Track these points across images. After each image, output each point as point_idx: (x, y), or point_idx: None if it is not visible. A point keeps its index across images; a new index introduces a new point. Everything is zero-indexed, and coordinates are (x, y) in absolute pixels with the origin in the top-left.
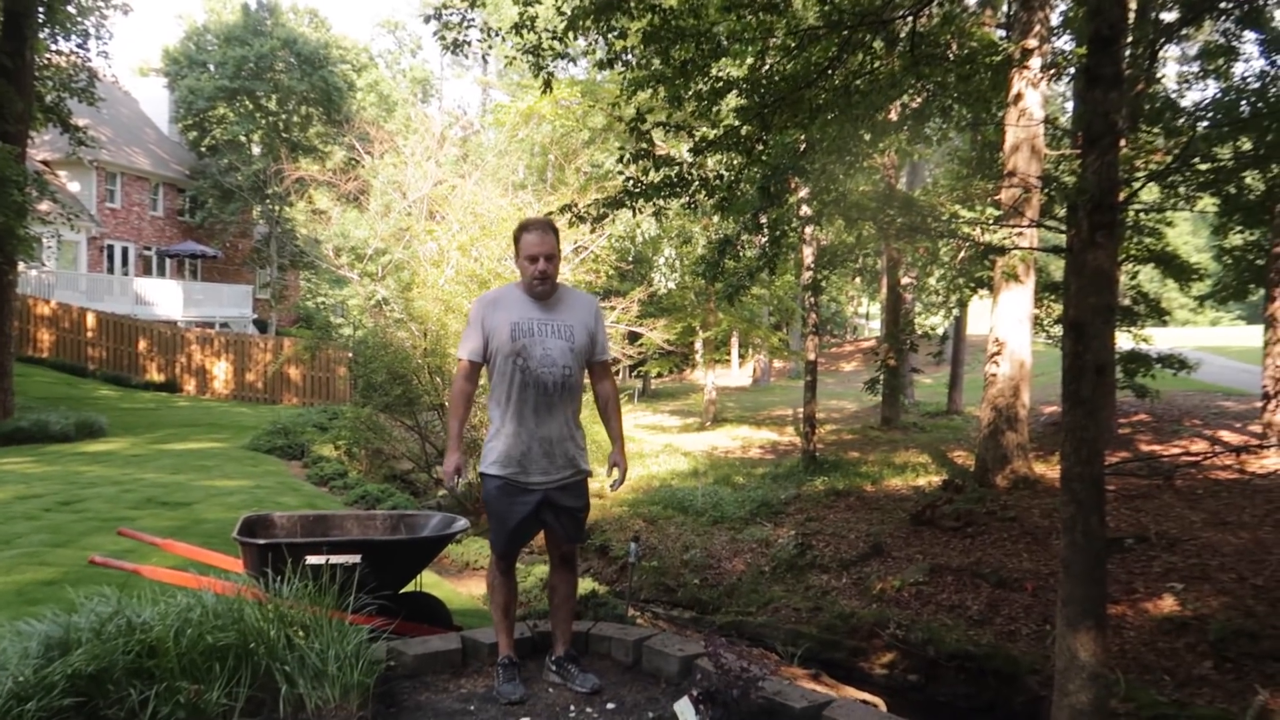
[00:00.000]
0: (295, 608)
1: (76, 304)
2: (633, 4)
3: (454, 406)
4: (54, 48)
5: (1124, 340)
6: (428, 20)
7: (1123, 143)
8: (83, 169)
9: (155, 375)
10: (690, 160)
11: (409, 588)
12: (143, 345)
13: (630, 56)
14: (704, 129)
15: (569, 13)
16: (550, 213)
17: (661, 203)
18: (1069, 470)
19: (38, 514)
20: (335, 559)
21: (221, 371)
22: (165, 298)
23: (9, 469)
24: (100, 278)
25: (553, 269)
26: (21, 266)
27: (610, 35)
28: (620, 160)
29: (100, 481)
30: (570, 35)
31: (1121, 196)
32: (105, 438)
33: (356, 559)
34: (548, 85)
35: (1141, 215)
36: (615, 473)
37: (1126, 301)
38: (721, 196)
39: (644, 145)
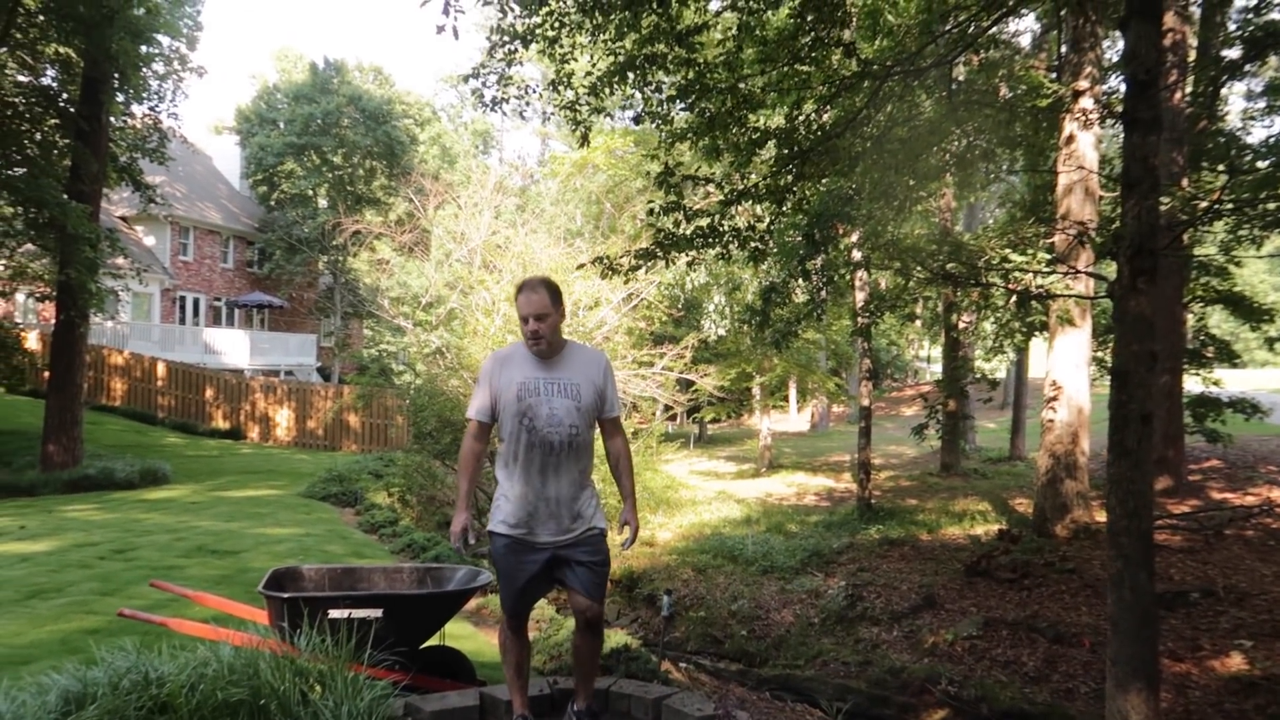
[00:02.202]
0: (312, 661)
1: (149, 354)
2: (669, 60)
3: (463, 466)
4: (128, 110)
5: (1193, 384)
6: (465, 80)
7: (1185, 183)
8: (158, 224)
9: (221, 422)
10: (720, 211)
11: (433, 641)
12: (210, 393)
13: (665, 109)
14: (735, 182)
15: (603, 70)
16: (581, 265)
17: (695, 254)
18: (1115, 524)
19: (92, 562)
20: (357, 613)
21: (284, 419)
22: (233, 347)
23: (72, 516)
24: (172, 328)
25: (545, 328)
26: (98, 318)
27: (646, 90)
28: (650, 214)
29: (156, 529)
30: (607, 91)
31: (1184, 238)
32: (168, 484)
33: (378, 613)
34: (585, 139)
35: (1206, 255)
36: (626, 531)
37: (1195, 344)
38: (754, 247)
39: (674, 199)
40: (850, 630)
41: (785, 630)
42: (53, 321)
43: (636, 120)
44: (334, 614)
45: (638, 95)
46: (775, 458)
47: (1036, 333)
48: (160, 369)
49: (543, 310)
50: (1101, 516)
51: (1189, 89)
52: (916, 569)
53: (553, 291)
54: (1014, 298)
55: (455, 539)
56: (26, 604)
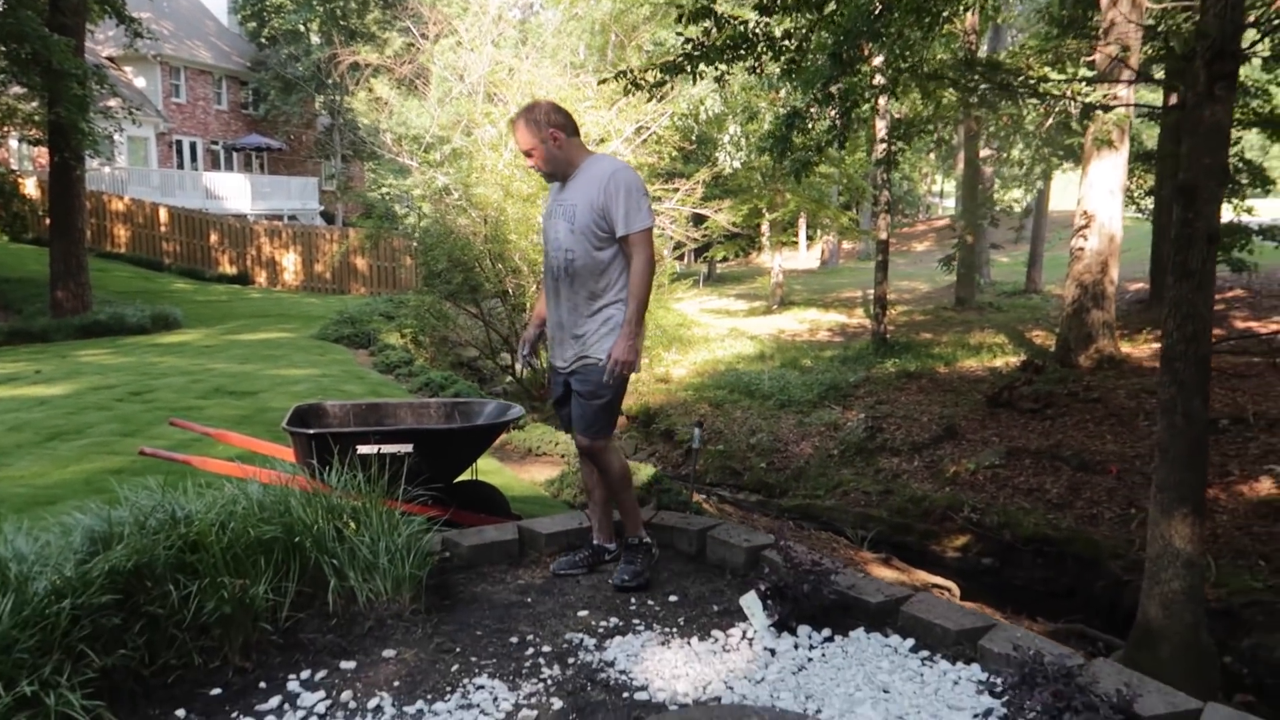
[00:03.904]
0: (344, 498)
1: (149, 199)
2: None
3: None
4: None
5: (1223, 211)
6: None
7: None
8: (147, 64)
9: (227, 268)
10: (755, 19)
11: (464, 476)
12: (214, 239)
13: None
14: None
15: None
16: (604, 80)
17: (724, 67)
18: (1171, 348)
19: (110, 404)
20: (386, 448)
21: (291, 263)
22: (234, 191)
23: (87, 360)
24: (170, 173)
25: (537, 160)
26: (95, 163)
27: None
28: (679, 20)
29: (172, 372)
30: None
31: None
32: (180, 329)
33: (408, 448)
34: None
35: (1247, 75)
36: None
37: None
38: (789, 59)
39: (703, 2)
40: (870, 461)
41: (804, 462)
42: (49, 167)
43: None
44: (363, 450)
45: None
46: (786, 295)
47: (1068, 160)
48: (162, 215)
49: (527, 145)
50: (1126, 347)
51: None
52: (936, 401)
53: (531, 121)
54: (1050, 120)
55: (520, 346)
56: (47, 445)
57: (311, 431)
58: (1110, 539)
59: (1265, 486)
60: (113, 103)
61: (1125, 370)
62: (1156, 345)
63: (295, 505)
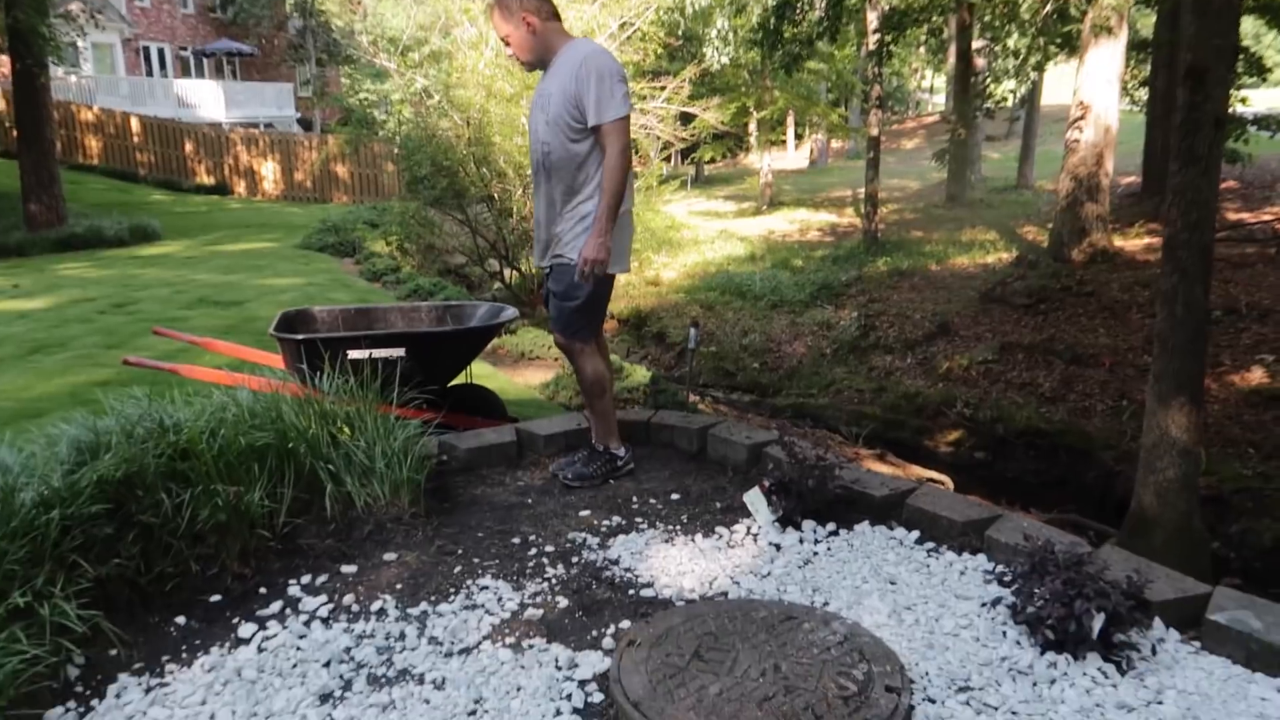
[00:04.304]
0: (337, 404)
1: (120, 109)
2: None
3: None
4: None
5: None
6: None
7: None
8: None
9: (205, 178)
10: None
11: (459, 380)
12: (189, 148)
13: None
14: None
15: None
16: None
17: None
18: (1174, 236)
19: (92, 316)
20: (377, 353)
21: (270, 172)
22: (207, 99)
23: (66, 274)
24: (140, 81)
25: (514, 48)
26: (60, 72)
27: None
28: None
29: (154, 284)
30: None
31: None
32: (159, 241)
33: (400, 352)
34: None
35: None
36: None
37: None
38: None
39: None
40: (863, 359)
41: (797, 361)
42: (11, 77)
43: None
44: (354, 354)
45: None
46: (776, 195)
47: (1064, 49)
48: (134, 124)
49: (503, 32)
50: (1119, 241)
51: None
52: (928, 298)
53: (504, 6)
54: (1048, 6)
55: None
56: (30, 359)
57: (300, 337)
58: (1102, 431)
59: (1256, 376)
60: (73, 6)
61: (1118, 264)
62: (1149, 239)
63: (287, 411)
